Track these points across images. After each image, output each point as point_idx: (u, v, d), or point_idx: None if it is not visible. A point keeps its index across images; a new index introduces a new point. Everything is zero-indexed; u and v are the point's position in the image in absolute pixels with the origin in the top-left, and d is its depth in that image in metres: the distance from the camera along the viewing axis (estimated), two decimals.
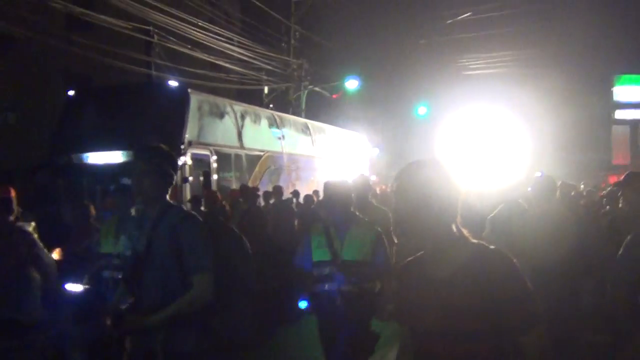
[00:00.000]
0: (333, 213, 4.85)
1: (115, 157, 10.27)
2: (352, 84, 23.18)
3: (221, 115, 11.92)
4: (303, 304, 5.07)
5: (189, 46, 16.55)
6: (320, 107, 25.64)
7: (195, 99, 10.96)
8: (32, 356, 4.80)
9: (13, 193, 6.54)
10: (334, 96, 25.76)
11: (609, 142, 33.86)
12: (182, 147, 10.30)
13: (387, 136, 30.23)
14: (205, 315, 3.25)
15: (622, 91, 33.92)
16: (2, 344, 4.66)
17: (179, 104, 10.59)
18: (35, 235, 5.55)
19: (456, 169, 2.39)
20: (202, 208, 8.79)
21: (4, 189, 6.27)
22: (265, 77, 21.42)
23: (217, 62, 18.31)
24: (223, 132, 11.90)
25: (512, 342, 2.22)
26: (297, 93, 23.28)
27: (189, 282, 3.17)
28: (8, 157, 21.64)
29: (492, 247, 2.32)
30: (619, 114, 34.34)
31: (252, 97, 21.22)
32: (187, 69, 17.26)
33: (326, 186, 4.97)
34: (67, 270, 6.28)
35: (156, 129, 10.33)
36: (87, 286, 5.94)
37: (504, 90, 26.88)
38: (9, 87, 22.29)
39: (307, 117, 20.39)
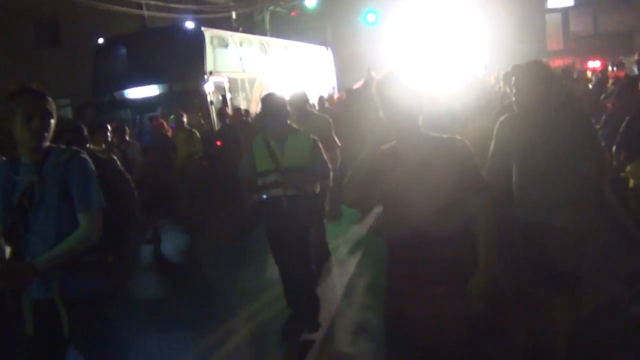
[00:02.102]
0: (271, 125, 5.10)
1: (151, 90, 12.60)
2: (310, 1, 25.25)
3: (226, 45, 14.20)
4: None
5: None
6: (282, 25, 27.58)
7: (207, 34, 13.22)
8: None
9: None
10: (292, 14, 27.79)
11: (543, 31, 36.80)
12: (205, 76, 12.66)
13: (340, 46, 32.20)
14: (100, 254, 3.11)
15: None
16: None
17: (197, 41, 12.87)
18: None
19: (416, 77, 2.90)
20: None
21: None
22: (232, 3, 23.29)
23: None
24: (229, 59, 14.22)
25: (467, 205, 2.87)
26: (261, 15, 25.24)
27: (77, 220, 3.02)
28: None
29: (447, 136, 2.96)
30: (551, 3, 37.21)
31: (222, 23, 23.05)
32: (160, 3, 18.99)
33: (263, 101, 5.20)
34: None
35: (181, 64, 12.66)
36: None
37: None
38: None
39: (271, 36, 22.47)
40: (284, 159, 4.94)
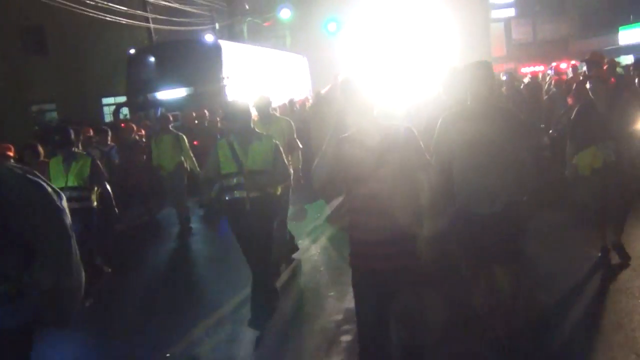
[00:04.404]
0: (236, 129, 5.32)
1: (178, 92, 15.05)
2: (285, 12, 27.80)
3: (236, 55, 16.72)
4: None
5: None
6: (257, 34, 30.14)
7: (224, 45, 15.75)
8: None
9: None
10: (266, 24, 30.37)
11: (488, 38, 40.39)
12: (224, 81, 15.16)
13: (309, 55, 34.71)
14: (9, 283, 2.63)
15: None
16: None
17: (216, 51, 15.36)
18: None
19: (371, 79, 3.53)
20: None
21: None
22: (216, 15, 25.86)
23: (184, 9, 22.52)
24: (238, 67, 16.72)
25: (414, 180, 3.39)
26: (240, 26, 27.82)
27: None
28: None
29: (397, 123, 3.56)
30: (494, 14, 40.93)
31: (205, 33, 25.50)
32: (159, 17, 21.38)
33: (229, 106, 5.47)
34: None
35: (203, 71, 15.14)
36: None
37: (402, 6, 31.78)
38: None
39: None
40: (247, 162, 5.17)
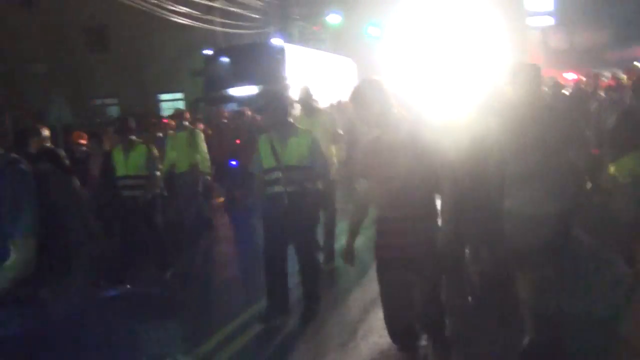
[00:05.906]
0: (274, 125, 5.49)
1: (250, 90, 16.75)
2: (333, 18, 29.38)
3: (298, 57, 18.39)
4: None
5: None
6: (306, 36, 31.75)
7: (288, 48, 17.46)
8: None
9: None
10: (315, 28, 31.98)
11: (525, 46, 41.50)
12: (286, 81, 16.79)
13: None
14: (31, 288, 2.58)
15: (532, 1, 41.63)
16: None
17: (281, 53, 17.06)
18: None
19: (392, 83, 3.78)
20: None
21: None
22: (271, 19, 27.63)
23: (238, 11, 24.29)
24: (300, 68, 18.37)
25: (432, 177, 3.57)
26: (291, 29, 29.59)
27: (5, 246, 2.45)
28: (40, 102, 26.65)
29: (416, 121, 3.79)
30: (529, 21, 42.09)
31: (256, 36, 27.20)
32: (224, 20, 23.17)
33: (268, 103, 5.69)
34: None
35: (269, 71, 16.81)
36: None
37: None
38: (37, 40, 26.97)
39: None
40: (285, 157, 5.36)
